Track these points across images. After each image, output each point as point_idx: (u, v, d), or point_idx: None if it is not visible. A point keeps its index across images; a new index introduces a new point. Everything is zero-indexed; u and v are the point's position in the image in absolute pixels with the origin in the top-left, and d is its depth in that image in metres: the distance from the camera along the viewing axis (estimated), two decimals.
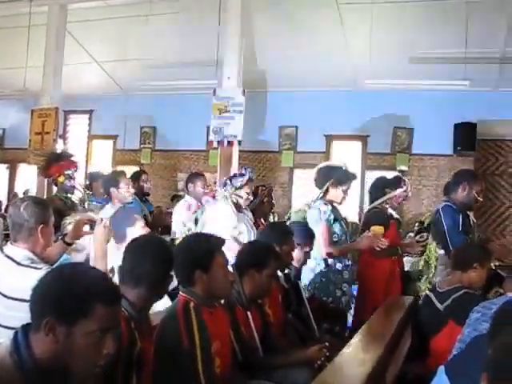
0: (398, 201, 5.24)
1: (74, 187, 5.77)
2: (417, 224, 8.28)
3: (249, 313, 3.20)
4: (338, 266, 4.49)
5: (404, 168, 9.72)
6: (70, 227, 3.64)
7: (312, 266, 4.47)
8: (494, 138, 11.29)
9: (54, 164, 5.77)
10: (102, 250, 3.08)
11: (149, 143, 11.47)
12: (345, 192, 4.55)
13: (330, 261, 4.45)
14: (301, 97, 9.95)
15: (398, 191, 5.14)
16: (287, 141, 10.53)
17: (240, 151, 7.53)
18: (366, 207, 5.43)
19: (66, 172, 5.70)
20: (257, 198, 6.43)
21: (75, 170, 5.84)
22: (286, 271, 4.02)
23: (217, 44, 7.44)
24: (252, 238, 4.68)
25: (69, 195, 5.74)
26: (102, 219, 3.20)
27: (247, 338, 3.11)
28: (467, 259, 3.65)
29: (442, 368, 2.13)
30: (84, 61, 10.04)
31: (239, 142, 7.09)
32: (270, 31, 8.63)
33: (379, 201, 5.09)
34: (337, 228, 4.48)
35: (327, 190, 4.56)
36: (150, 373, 2.41)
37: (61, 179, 5.68)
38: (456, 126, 9.32)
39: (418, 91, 9.16)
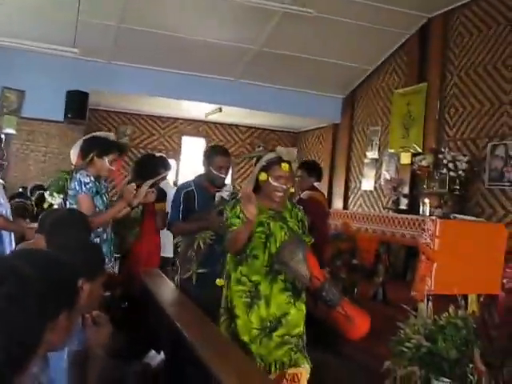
0: None
1: None
2: (21, 189, 8.07)
3: None
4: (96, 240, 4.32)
5: (11, 131, 9.27)
6: None
7: None
8: (106, 109, 11.71)
9: None
10: None
11: None
12: (111, 163, 4.29)
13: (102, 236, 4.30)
14: None
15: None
16: None
17: None
18: None
19: None
20: None
21: None
22: None
23: None
24: (8, 211, 4.46)
25: None
26: None
27: None
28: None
29: None
30: None
31: None
32: None
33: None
34: (98, 202, 4.26)
35: (92, 161, 4.27)
36: None
37: None
38: (68, 93, 9.29)
39: (30, 53, 8.77)
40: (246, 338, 3.21)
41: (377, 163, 9.76)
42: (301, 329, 3.32)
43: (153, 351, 2.71)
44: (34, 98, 9.24)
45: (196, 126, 12.64)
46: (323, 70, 9.72)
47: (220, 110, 10.80)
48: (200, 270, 4.06)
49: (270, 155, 3.42)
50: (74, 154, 4.68)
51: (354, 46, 9.12)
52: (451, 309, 3.63)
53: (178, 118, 12.45)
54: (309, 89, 10.44)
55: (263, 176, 3.37)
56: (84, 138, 4.62)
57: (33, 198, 6.45)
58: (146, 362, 2.65)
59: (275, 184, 3.34)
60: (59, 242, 2.08)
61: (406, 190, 8.62)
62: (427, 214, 6.75)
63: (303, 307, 3.37)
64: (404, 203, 8.57)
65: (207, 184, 4.30)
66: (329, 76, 10.01)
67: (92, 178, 4.25)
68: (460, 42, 8.01)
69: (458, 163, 7.22)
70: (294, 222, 3.49)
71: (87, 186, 4.21)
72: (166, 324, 2.82)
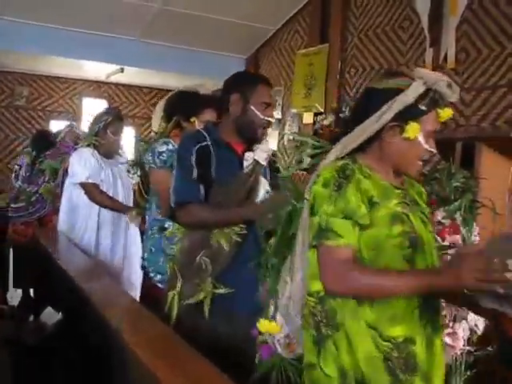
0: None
1: None
2: None
3: None
4: None
5: None
6: None
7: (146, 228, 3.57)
8: (1, 70, 11.09)
9: None
10: None
11: None
12: None
13: (167, 224, 3.14)
14: None
15: None
16: None
17: None
18: None
19: None
20: None
21: None
22: None
23: None
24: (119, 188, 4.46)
25: None
26: None
27: None
28: None
29: None
30: None
31: None
32: None
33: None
34: None
35: (179, 127, 3.46)
36: None
37: None
38: None
39: None
40: None
41: (280, 123, 9.86)
42: None
43: (49, 308, 2.63)
44: None
45: (97, 87, 12.24)
46: (226, 30, 9.61)
47: (122, 70, 10.50)
48: (219, 291, 2.40)
49: (418, 87, 1.72)
50: (155, 119, 3.71)
51: (257, 6, 9.06)
52: None
53: (78, 79, 11.97)
54: (212, 49, 10.30)
55: (414, 129, 1.72)
56: (167, 96, 3.65)
57: None
58: (41, 321, 2.58)
59: (425, 147, 1.78)
60: None
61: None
62: None
63: None
64: (307, 162, 8.73)
65: (232, 138, 2.67)
66: (231, 36, 9.92)
67: (170, 147, 3.27)
68: (360, 4, 8.16)
69: None
70: (426, 209, 1.96)
71: (160, 158, 3.27)
72: (63, 280, 2.76)
